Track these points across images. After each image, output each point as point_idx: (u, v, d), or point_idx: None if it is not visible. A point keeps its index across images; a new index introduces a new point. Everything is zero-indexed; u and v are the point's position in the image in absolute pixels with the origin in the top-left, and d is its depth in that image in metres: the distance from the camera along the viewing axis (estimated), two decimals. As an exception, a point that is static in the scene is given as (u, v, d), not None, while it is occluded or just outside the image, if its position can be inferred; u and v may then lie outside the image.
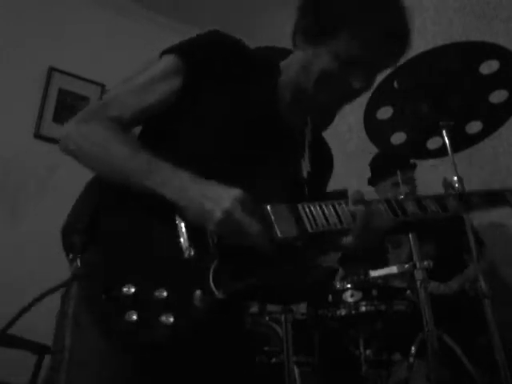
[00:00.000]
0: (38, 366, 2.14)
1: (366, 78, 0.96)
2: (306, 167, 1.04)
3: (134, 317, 0.76)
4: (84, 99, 3.40)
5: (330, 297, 1.93)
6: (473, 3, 2.92)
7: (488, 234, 2.37)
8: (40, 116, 3.26)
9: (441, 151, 1.79)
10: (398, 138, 1.86)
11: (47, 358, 2.18)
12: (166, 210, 0.83)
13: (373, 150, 2.26)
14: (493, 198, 1.04)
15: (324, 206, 0.91)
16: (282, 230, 0.85)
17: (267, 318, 2.16)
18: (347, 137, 3.55)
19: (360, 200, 0.91)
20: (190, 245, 0.81)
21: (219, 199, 0.79)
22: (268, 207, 0.86)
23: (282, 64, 1.06)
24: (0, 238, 2.82)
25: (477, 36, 2.77)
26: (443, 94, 1.72)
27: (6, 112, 3.07)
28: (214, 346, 0.89)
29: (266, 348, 1.98)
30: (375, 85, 1.72)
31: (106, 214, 0.84)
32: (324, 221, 0.89)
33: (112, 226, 0.84)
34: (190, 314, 0.79)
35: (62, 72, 3.40)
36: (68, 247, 0.84)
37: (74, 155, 0.90)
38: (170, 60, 0.95)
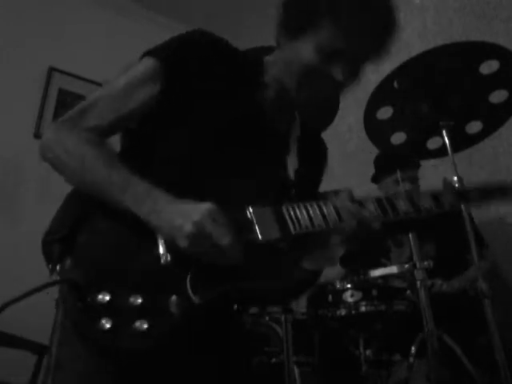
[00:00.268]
0: (37, 366, 2.14)
1: (349, 71, 0.95)
2: (292, 164, 1.03)
3: (108, 325, 0.76)
4: (84, 99, 3.40)
5: (330, 297, 1.93)
6: (473, 3, 2.92)
7: (488, 232, 2.37)
8: (40, 116, 3.26)
9: (441, 151, 1.79)
10: (398, 138, 1.86)
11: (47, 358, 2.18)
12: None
13: (373, 150, 2.26)
14: (490, 194, 1.02)
15: (309, 207, 0.90)
16: (264, 232, 0.84)
17: (267, 318, 2.16)
18: (347, 137, 3.55)
19: (348, 199, 0.90)
20: (167, 251, 0.80)
21: (189, 213, 0.78)
22: (250, 209, 0.86)
23: (266, 61, 1.06)
24: (0, 237, 2.82)
25: (477, 36, 2.77)
26: (443, 94, 1.72)
27: (6, 112, 3.07)
28: (196, 353, 0.88)
29: (265, 348, 1.98)
30: (375, 85, 1.73)
31: (85, 224, 0.84)
32: (308, 222, 0.88)
33: (89, 236, 0.83)
34: (165, 319, 0.78)
35: (62, 72, 3.40)
36: (47, 256, 0.85)
37: (51, 163, 0.90)
38: (149, 63, 0.94)
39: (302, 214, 0.89)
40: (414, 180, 2.41)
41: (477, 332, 1.76)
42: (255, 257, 0.82)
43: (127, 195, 0.82)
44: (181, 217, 0.78)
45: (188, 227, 0.76)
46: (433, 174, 2.53)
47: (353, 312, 1.84)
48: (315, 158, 1.14)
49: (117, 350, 0.78)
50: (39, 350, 2.12)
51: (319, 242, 0.93)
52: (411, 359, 1.72)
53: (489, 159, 2.60)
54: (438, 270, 2.10)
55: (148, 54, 0.95)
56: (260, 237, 0.84)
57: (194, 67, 0.94)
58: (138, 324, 0.77)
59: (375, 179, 2.59)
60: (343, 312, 1.86)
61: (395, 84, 1.69)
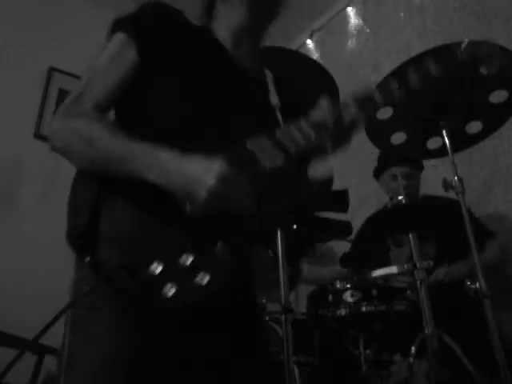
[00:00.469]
0: (38, 366, 2.14)
1: None
2: (274, 101, 1.09)
3: (173, 289, 0.79)
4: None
5: (330, 297, 1.93)
6: (473, 3, 2.92)
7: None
8: (40, 116, 3.26)
9: (441, 151, 1.79)
10: (398, 137, 1.87)
11: (47, 358, 2.18)
12: None
13: (373, 150, 2.26)
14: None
15: (299, 123, 0.93)
16: (268, 161, 0.88)
17: (267, 318, 2.16)
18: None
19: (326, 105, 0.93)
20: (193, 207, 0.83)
21: (201, 178, 0.81)
22: (247, 143, 0.89)
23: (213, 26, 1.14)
24: (0, 237, 2.82)
25: (477, 36, 2.77)
26: (443, 94, 1.72)
27: (6, 112, 3.07)
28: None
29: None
30: (375, 85, 1.73)
31: (104, 208, 0.84)
32: (304, 138, 0.91)
33: (113, 217, 0.84)
34: (220, 266, 0.82)
35: (61, 72, 3.40)
36: (81, 252, 0.84)
37: (62, 152, 0.92)
38: (121, 37, 1.00)
39: (295, 133, 0.92)
40: (411, 176, 2.41)
41: (477, 332, 1.76)
42: (268, 186, 0.87)
43: (134, 162, 0.84)
44: (193, 183, 0.81)
45: (202, 194, 0.80)
46: (433, 174, 2.53)
47: (353, 312, 1.85)
48: (294, 89, 1.21)
49: (187, 308, 0.81)
50: (39, 349, 2.12)
51: (319, 152, 0.96)
52: (411, 359, 1.72)
53: (489, 159, 2.60)
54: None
55: (116, 28, 1.02)
56: (268, 166, 0.87)
57: (162, 34, 1.00)
58: (198, 279, 0.80)
59: (375, 175, 2.60)
60: (343, 312, 1.87)
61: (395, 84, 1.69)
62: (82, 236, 0.83)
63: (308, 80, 1.78)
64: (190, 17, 1.12)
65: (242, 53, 1.09)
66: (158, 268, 0.79)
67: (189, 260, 0.81)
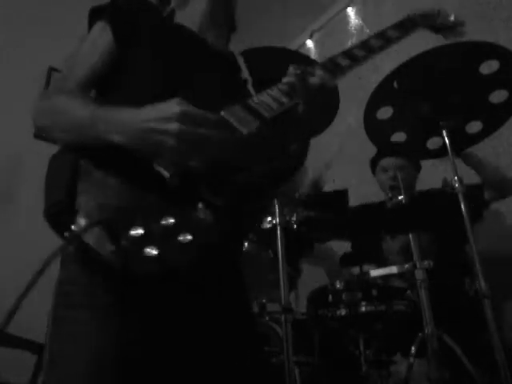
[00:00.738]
0: (37, 366, 2.14)
1: None
2: (247, 78, 1.14)
3: (154, 251, 0.77)
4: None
5: (330, 297, 1.93)
6: (473, 3, 2.92)
7: (485, 229, 2.36)
8: (40, 116, 3.26)
9: (441, 151, 1.79)
10: (398, 137, 1.87)
11: (47, 358, 2.18)
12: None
13: (373, 150, 2.26)
14: (404, 25, 1.21)
15: (271, 91, 0.97)
16: (244, 126, 0.89)
17: (267, 318, 2.16)
18: (347, 137, 3.55)
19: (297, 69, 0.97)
20: (171, 172, 0.81)
21: (163, 124, 0.79)
22: (222, 113, 0.89)
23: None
24: (0, 237, 2.82)
25: (477, 36, 2.77)
26: (443, 94, 1.72)
27: (6, 112, 3.07)
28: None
29: (266, 348, 1.98)
30: (375, 85, 1.73)
31: (81, 181, 0.83)
32: (276, 103, 0.94)
33: (91, 188, 0.82)
34: (201, 226, 0.80)
35: (61, 72, 3.40)
36: (61, 228, 0.82)
37: (45, 130, 0.95)
38: (100, 25, 1.07)
39: (268, 100, 0.95)
40: (403, 168, 2.40)
41: (477, 332, 1.76)
42: (246, 151, 0.88)
43: (99, 127, 0.85)
44: (156, 131, 0.79)
45: (170, 142, 0.78)
46: (433, 174, 2.53)
47: (353, 312, 1.85)
48: (265, 65, 1.23)
49: (173, 269, 0.79)
50: (39, 350, 2.12)
51: (294, 118, 1.00)
52: (411, 359, 1.72)
53: (489, 159, 2.60)
54: (438, 267, 2.11)
55: (94, 18, 1.10)
56: (244, 131, 0.88)
57: (132, 17, 1.07)
58: (181, 238, 0.78)
59: (372, 171, 2.61)
60: (343, 312, 1.86)
61: (395, 84, 1.69)
62: (60, 212, 0.82)
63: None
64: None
65: (211, 36, 1.14)
66: (138, 231, 0.77)
67: (169, 222, 0.79)
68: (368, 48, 1.10)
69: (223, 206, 0.82)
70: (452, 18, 1.20)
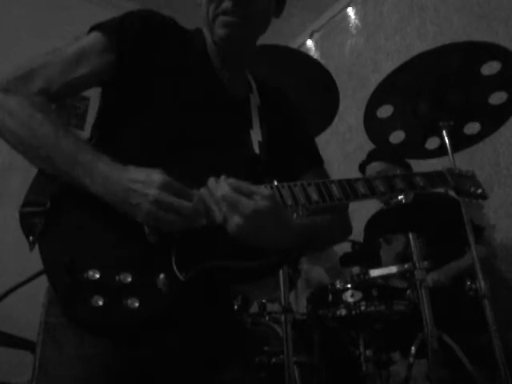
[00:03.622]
0: (37, 366, 2.14)
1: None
2: (256, 137, 1.02)
3: (100, 302, 0.76)
4: (84, 99, 3.40)
5: (330, 297, 1.93)
6: (473, 3, 2.92)
7: (486, 232, 2.37)
8: (40, 116, 3.26)
9: (440, 151, 1.79)
10: (397, 136, 1.87)
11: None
12: None
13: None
14: (434, 179, 1.06)
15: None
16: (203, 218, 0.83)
17: (267, 318, 2.16)
18: (347, 137, 3.55)
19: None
20: (154, 230, 0.80)
21: (145, 188, 0.77)
22: (201, 190, 0.83)
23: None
24: (1, 239, 2.82)
25: (477, 36, 2.77)
26: (443, 94, 1.72)
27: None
28: (185, 326, 0.87)
29: (265, 348, 1.98)
30: (375, 85, 1.73)
31: (67, 198, 0.82)
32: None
33: (74, 209, 0.82)
34: (154, 297, 0.78)
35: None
36: (28, 229, 0.82)
37: None
38: (98, 37, 0.93)
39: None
40: (388, 172, 2.38)
41: (477, 332, 1.76)
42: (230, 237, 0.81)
43: (76, 167, 0.79)
44: (135, 194, 0.77)
45: (146, 206, 0.76)
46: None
47: (353, 312, 1.85)
48: (279, 121, 1.12)
49: (109, 328, 0.78)
50: (39, 349, 2.12)
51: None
52: (411, 359, 1.72)
53: (489, 159, 2.61)
54: (437, 267, 2.11)
55: (96, 28, 0.95)
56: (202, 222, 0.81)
57: (143, 42, 0.94)
58: (129, 302, 0.77)
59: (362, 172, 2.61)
60: (343, 312, 1.86)
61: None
62: (32, 214, 0.81)
63: (307, 79, 1.78)
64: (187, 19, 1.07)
65: (228, 69, 1.03)
66: (94, 276, 0.77)
67: (126, 280, 0.78)
68: (390, 187, 0.98)
69: (186, 281, 0.79)
70: (480, 191, 1.10)
